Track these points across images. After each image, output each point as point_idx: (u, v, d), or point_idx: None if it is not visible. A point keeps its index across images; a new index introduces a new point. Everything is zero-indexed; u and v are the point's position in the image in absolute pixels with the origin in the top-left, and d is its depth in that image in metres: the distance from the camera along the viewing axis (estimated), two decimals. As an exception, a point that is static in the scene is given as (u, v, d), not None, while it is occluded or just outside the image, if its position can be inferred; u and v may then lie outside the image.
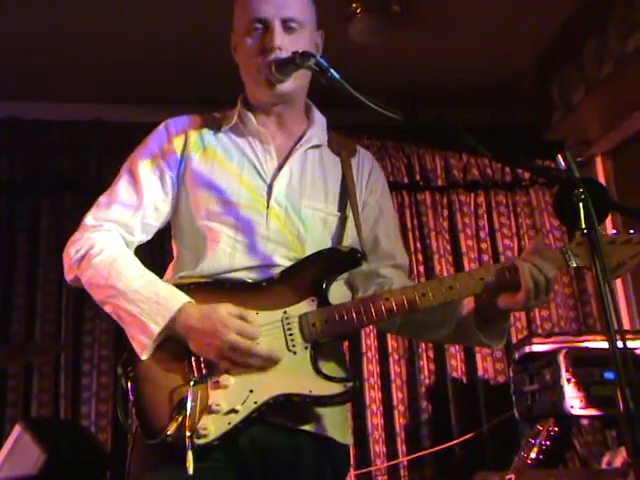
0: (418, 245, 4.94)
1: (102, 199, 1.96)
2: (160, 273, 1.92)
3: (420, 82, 4.61)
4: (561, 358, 3.48)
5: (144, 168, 1.95)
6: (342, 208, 1.98)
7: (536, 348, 3.72)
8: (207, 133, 2.00)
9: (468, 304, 1.87)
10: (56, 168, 4.62)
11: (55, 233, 4.48)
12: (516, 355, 3.88)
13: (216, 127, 2.01)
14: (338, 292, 1.89)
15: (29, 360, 4.18)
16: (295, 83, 1.91)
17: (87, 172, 4.52)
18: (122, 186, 1.95)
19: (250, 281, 1.84)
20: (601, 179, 4.87)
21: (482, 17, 4.07)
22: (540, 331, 4.76)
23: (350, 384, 1.75)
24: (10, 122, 4.64)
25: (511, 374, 3.89)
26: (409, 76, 4.56)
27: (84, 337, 4.48)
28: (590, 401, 3.39)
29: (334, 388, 1.74)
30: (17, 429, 3.19)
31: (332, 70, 1.67)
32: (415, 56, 4.40)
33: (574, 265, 1.81)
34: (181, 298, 1.77)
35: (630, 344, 3.54)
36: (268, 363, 1.73)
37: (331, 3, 3.73)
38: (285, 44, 1.87)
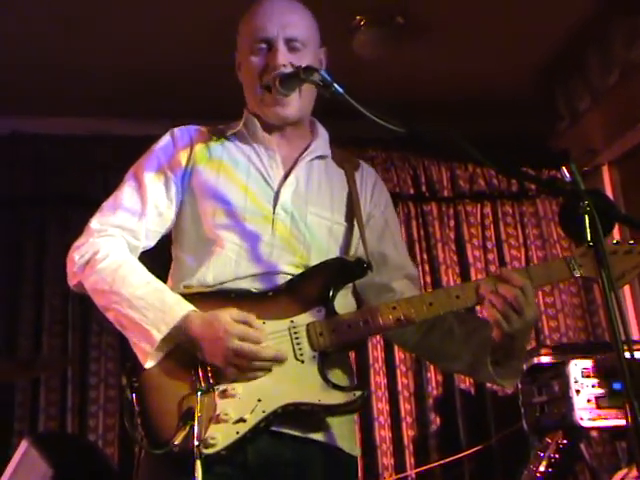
0: (424, 256, 4.92)
1: (107, 204, 1.97)
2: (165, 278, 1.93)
3: (425, 94, 4.61)
4: (570, 369, 3.46)
5: (149, 174, 1.96)
6: (348, 218, 1.99)
7: (544, 359, 3.70)
8: (213, 142, 2.01)
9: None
10: (61, 182, 4.63)
11: (61, 247, 4.44)
12: (524, 366, 3.86)
13: (222, 136, 2.03)
14: (344, 302, 1.89)
15: (36, 374, 4.18)
16: (298, 107, 1.94)
17: (92, 186, 4.53)
18: (127, 192, 1.96)
19: (256, 291, 1.84)
20: (608, 188, 4.86)
21: (487, 28, 4.07)
22: (548, 342, 4.74)
23: (359, 393, 1.74)
24: (16, 137, 4.66)
25: (519, 385, 3.86)
26: (414, 88, 4.56)
27: (91, 351, 4.47)
28: (600, 413, 3.37)
29: (343, 397, 1.74)
30: (24, 444, 3.18)
31: (336, 84, 1.68)
32: (420, 68, 4.41)
33: (578, 275, 1.82)
34: (185, 306, 1.76)
35: (638, 355, 3.52)
36: (275, 364, 1.72)
37: (335, 16, 3.76)
38: (289, 63, 1.89)
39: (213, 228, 1.90)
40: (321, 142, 2.05)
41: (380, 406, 4.61)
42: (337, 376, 1.81)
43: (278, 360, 1.73)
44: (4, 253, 4.57)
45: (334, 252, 1.94)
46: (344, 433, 1.84)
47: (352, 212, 1.99)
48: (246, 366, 1.71)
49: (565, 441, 3.41)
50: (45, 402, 4.34)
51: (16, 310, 4.47)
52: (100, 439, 4.34)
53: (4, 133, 4.66)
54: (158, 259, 2.02)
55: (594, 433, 3.72)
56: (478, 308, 1.92)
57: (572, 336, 4.83)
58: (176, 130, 2.04)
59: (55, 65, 4.21)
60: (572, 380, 3.44)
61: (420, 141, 1.67)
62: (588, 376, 3.45)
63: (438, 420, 4.65)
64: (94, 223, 1.94)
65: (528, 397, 3.76)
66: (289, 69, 1.85)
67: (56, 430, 4.31)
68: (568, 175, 1.58)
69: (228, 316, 1.72)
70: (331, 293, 1.82)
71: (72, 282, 1.92)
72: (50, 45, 4.04)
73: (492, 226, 5.07)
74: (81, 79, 4.36)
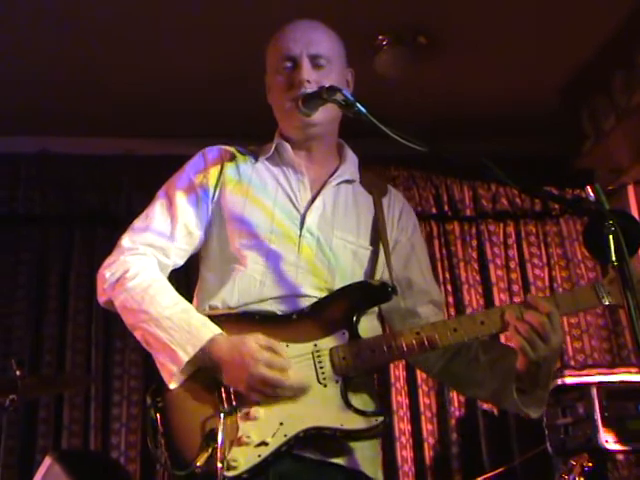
0: (447, 275, 4.90)
1: (138, 222, 1.99)
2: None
3: (448, 113, 4.61)
4: (594, 391, 3.43)
5: (180, 193, 1.98)
6: (373, 243, 1.99)
7: (569, 380, 3.65)
8: (243, 163, 2.03)
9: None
10: (87, 201, 4.68)
11: (86, 265, 4.53)
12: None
13: (252, 157, 2.05)
14: (368, 325, 1.89)
15: (60, 391, 4.20)
16: (323, 116, 1.93)
17: (117, 205, 4.58)
18: (158, 210, 1.98)
19: (280, 313, 1.84)
20: (633, 208, 4.81)
21: (510, 47, 4.08)
22: (573, 363, 4.69)
23: (380, 419, 1.74)
24: (43, 157, 4.72)
25: (544, 407, 3.81)
26: (437, 107, 4.57)
27: (114, 368, 4.50)
28: (625, 435, 3.32)
29: (365, 422, 1.73)
30: (48, 461, 3.19)
31: (358, 104, 1.68)
32: (443, 87, 4.41)
33: (607, 303, 1.80)
34: (213, 329, 1.77)
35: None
36: (298, 394, 1.72)
37: (357, 35, 3.78)
38: (313, 78, 1.91)
39: (239, 247, 1.91)
40: (349, 166, 2.06)
41: (402, 426, 4.58)
42: (360, 400, 1.80)
43: (301, 390, 1.72)
44: (30, 270, 4.62)
45: (359, 276, 1.94)
46: (367, 456, 1.83)
47: (378, 237, 1.99)
48: (269, 393, 1.71)
49: (590, 464, 3.36)
50: (69, 419, 4.36)
51: (40, 327, 4.51)
52: (123, 456, 4.35)
53: (33, 152, 4.72)
54: (186, 278, 2.04)
55: (620, 456, 3.67)
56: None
57: (597, 357, 4.78)
58: (207, 150, 2.07)
59: (82, 85, 4.26)
60: (597, 402, 3.40)
61: (442, 160, 1.67)
62: (613, 398, 3.40)
63: (461, 441, 4.60)
64: (125, 241, 1.95)
65: (552, 418, 3.72)
66: (312, 88, 1.87)
67: (79, 447, 4.32)
68: (592, 195, 1.57)
69: (254, 342, 1.72)
70: (355, 317, 1.82)
71: (102, 299, 1.94)
72: (77, 66, 4.09)
73: (515, 245, 5.04)
74: (107, 99, 4.41)
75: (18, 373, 3.19)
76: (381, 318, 2.03)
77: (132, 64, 4.11)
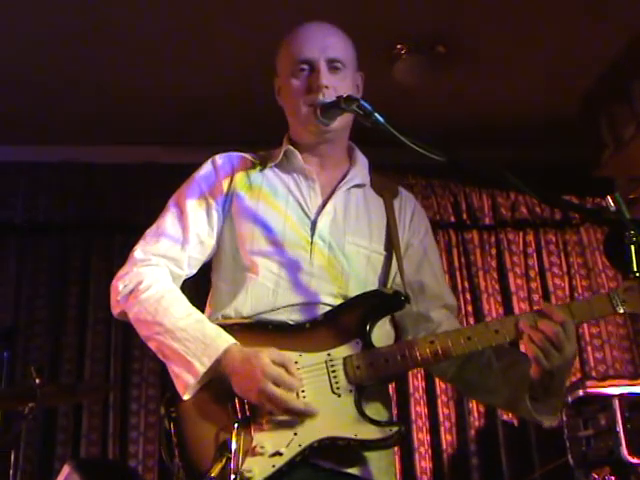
0: (466, 284, 4.89)
1: (150, 233, 1.98)
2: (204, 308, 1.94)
3: (466, 121, 4.61)
4: (616, 402, 3.38)
5: (191, 202, 1.97)
6: (386, 247, 1.98)
7: (590, 391, 3.61)
8: (253, 170, 2.02)
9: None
10: (107, 209, 4.72)
11: (105, 273, 4.55)
12: (569, 398, 3.77)
13: (262, 164, 2.03)
14: (381, 331, 1.87)
15: (79, 400, 4.22)
16: (339, 124, 1.93)
17: (136, 214, 4.61)
18: (169, 220, 1.97)
19: (293, 323, 1.83)
20: (654, 217, 4.76)
21: (528, 56, 4.07)
22: (594, 374, 4.64)
23: (395, 429, 1.72)
24: (63, 165, 4.76)
25: (564, 418, 3.78)
26: (455, 115, 4.56)
27: (132, 376, 4.52)
28: (649, 447, 3.28)
29: (379, 432, 1.71)
30: (66, 469, 3.21)
31: (376, 113, 1.68)
32: (461, 96, 4.41)
33: (621, 312, 1.78)
34: (227, 339, 1.76)
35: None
36: (304, 416, 1.70)
37: (376, 44, 3.79)
38: (331, 83, 1.90)
39: (250, 255, 1.90)
40: (359, 170, 2.05)
41: (421, 436, 4.56)
42: (374, 410, 1.79)
43: (306, 414, 1.70)
44: (49, 278, 4.66)
45: (372, 281, 1.93)
46: (382, 466, 1.82)
47: (390, 241, 1.98)
48: (275, 411, 1.69)
49: (612, 477, 3.32)
50: (87, 427, 4.39)
51: (60, 335, 4.54)
52: (140, 465, 4.36)
53: (53, 161, 4.76)
54: (198, 287, 2.04)
55: (643, 469, 3.62)
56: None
57: (619, 368, 4.73)
58: (217, 157, 2.05)
59: (103, 95, 4.30)
60: (619, 413, 3.36)
61: (461, 169, 1.66)
62: (636, 409, 3.36)
63: (480, 452, 4.57)
64: (137, 252, 1.95)
65: (574, 430, 3.67)
66: (330, 98, 1.85)
67: (97, 455, 4.34)
68: (613, 204, 1.55)
69: (267, 357, 1.70)
70: (369, 326, 1.81)
71: (115, 311, 1.94)
72: (98, 75, 4.12)
73: (535, 254, 5.01)
74: (127, 108, 4.44)
75: (37, 381, 3.20)
76: (394, 322, 2.00)
77: (152, 72, 4.14)
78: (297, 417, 1.70)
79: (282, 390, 1.68)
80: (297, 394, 1.72)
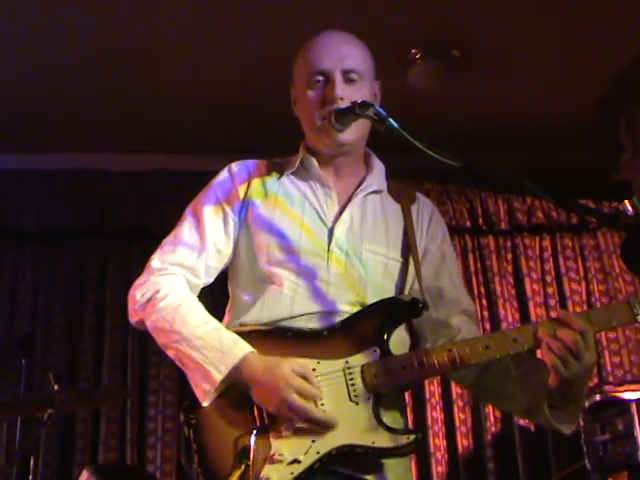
0: (482, 290, 4.87)
1: (166, 242, 1.99)
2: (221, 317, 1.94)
3: (482, 125, 4.59)
4: (634, 407, 3.36)
5: (207, 211, 1.98)
6: (404, 254, 1.98)
7: (607, 396, 3.60)
8: (269, 177, 2.02)
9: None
10: (122, 217, 4.74)
11: (121, 280, 4.57)
12: (586, 403, 3.76)
13: (278, 172, 2.04)
14: (397, 338, 1.87)
15: (97, 406, 4.23)
16: (355, 134, 1.93)
17: (152, 221, 4.62)
18: (186, 229, 1.98)
19: (311, 330, 1.83)
20: (672, 221, 4.73)
21: (544, 59, 4.05)
22: (611, 378, 4.61)
23: (412, 437, 1.73)
24: (78, 173, 4.78)
25: (581, 423, 3.75)
26: (471, 120, 4.55)
27: (149, 383, 4.53)
28: (667, 453, 3.25)
29: (397, 440, 1.72)
30: (85, 474, 3.21)
31: (391, 119, 1.68)
32: (476, 100, 4.39)
33: None
34: (244, 347, 1.77)
35: None
36: (324, 428, 1.71)
37: (390, 49, 3.79)
38: (346, 95, 1.90)
39: (267, 264, 1.91)
40: (376, 176, 2.05)
41: (437, 442, 4.55)
42: (391, 418, 1.79)
43: (327, 425, 1.71)
44: (66, 286, 4.68)
45: (390, 289, 1.94)
46: (399, 473, 1.83)
47: (408, 248, 1.98)
48: (296, 420, 1.70)
49: (630, 482, 3.30)
50: (105, 433, 4.40)
51: (77, 342, 4.56)
52: (158, 470, 4.37)
53: (68, 168, 4.79)
54: (216, 295, 2.05)
55: (661, 474, 3.60)
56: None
57: (636, 373, 4.70)
58: (233, 165, 2.06)
59: (117, 102, 4.31)
60: (637, 418, 3.34)
61: (476, 174, 1.66)
62: (654, 414, 3.34)
63: (497, 457, 4.55)
64: (155, 261, 1.96)
65: (591, 435, 3.65)
66: (345, 104, 1.86)
67: (116, 461, 4.35)
68: (630, 208, 1.55)
69: (289, 367, 1.72)
70: (386, 333, 1.81)
71: (133, 320, 1.95)
72: (111, 83, 4.14)
73: (551, 259, 4.99)
74: (142, 115, 4.46)
75: (56, 388, 3.22)
76: (410, 329, 2.00)
77: (166, 80, 4.15)
78: (314, 426, 1.71)
79: (304, 400, 1.69)
80: (315, 402, 1.73)
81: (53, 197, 4.74)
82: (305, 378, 1.72)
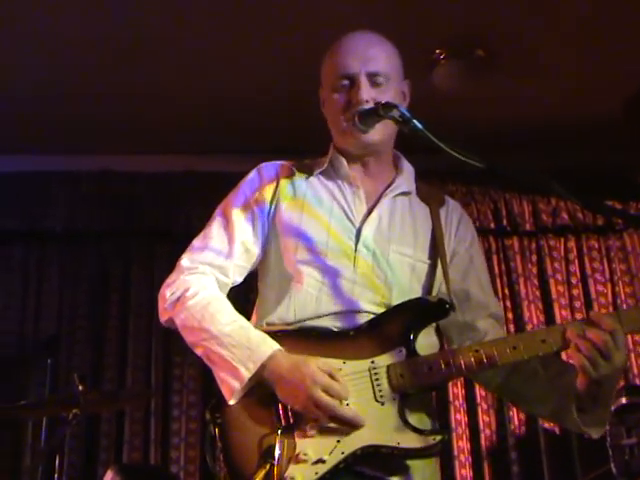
0: (506, 291, 4.84)
1: (196, 242, 2.01)
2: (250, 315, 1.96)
3: (507, 126, 4.56)
4: (661, 410, 3.33)
5: (236, 211, 2.00)
6: (431, 256, 1.98)
7: (634, 399, 3.56)
8: (298, 179, 2.04)
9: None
10: (147, 218, 4.76)
11: (145, 282, 4.60)
12: (612, 407, 3.72)
13: (307, 172, 2.05)
14: (426, 341, 1.87)
15: (121, 406, 4.26)
16: (381, 134, 1.94)
17: (177, 222, 4.64)
18: (215, 229, 2.00)
19: (337, 330, 1.84)
20: (700, 223, 4.68)
21: (570, 58, 4.01)
22: (637, 381, 4.56)
23: (439, 437, 1.72)
24: (104, 175, 4.81)
25: (607, 426, 3.71)
26: (496, 120, 4.52)
27: (173, 383, 4.54)
28: (694, 457, 3.22)
29: (422, 441, 1.72)
30: (109, 474, 3.24)
31: (415, 120, 1.67)
32: (501, 100, 4.36)
33: None
34: (272, 345, 1.78)
35: None
36: (351, 425, 1.71)
37: (415, 49, 3.75)
38: (371, 97, 1.90)
39: (294, 263, 1.92)
40: (405, 178, 2.05)
41: (461, 444, 4.52)
42: (417, 418, 1.79)
43: (353, 423, 1.71)
44: (91, 287, 4.71)
45: (416, 291, 1.93)
46: (426, 476, 1.82)
47: (436, 250, 1.98)
48: (322, 418, 1.70)
49: (656, 486, 3.26)
50: (129, 433, 4.42)
51: (102, 343, 4.59)
52: (182, 471, 4.38)
53: (94, 170, 4.82)
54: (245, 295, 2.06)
55: (689, 478, 3.55)
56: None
57: (663, 375, 4.65)
58: (263, 166, 2.08)
59: (143, 103, 4.34)
60: (664, 422, 3.31)
61: (500, 175, 1.65)
62: (681, 418, 3.30)
63: (521, 460, 4.52)
64: (185, 260, 1.98)
65: (616, 438, 3.62)
66: (369, 105, 1.86)
67: (140, 461, 4.38)
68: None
69: (315, 365, 1.72)
70: (412, 334, 1.80)
71: (163, 318, 1.97)
72: (138, 84, 4.17)
73: (577, 261, 4.94)
74: (168, 117, 4.48)
75: (80, 388, 3.25)
76: (439, 332, 2.01)
77: (193, 82, 4.16)
78: (341, 425, 1.71)
79: (330, 398, 1.69)
80: (341, 400, 1.72)
81: (78, 198, 4.77)
82: (331, 376, 1.72)
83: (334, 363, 1.76)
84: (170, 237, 4.58)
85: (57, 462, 3.51)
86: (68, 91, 4.21)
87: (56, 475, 3.48)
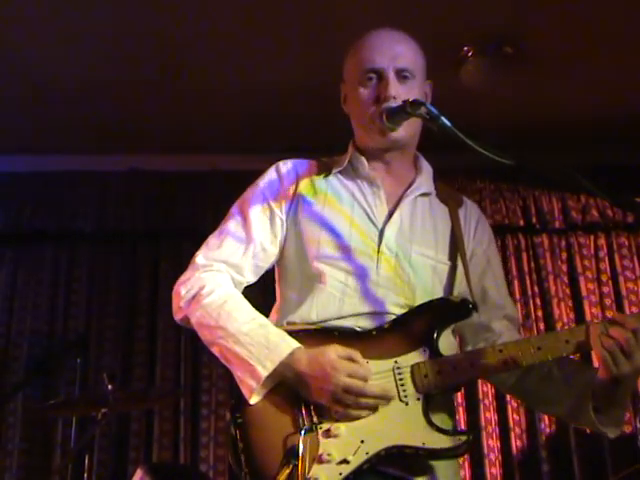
0: (535, 289, 4.80)
1: (212, 239, 1.99)
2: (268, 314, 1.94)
3: (536, 123, 4.53)
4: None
5: (254, 209, 1.97)
6: (452, 257, 1.96)
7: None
8: (317, 176, 2.02)
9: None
10: (175, 217, 4.79)
11: (174, 280, 4.58)
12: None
13: (326, 170, 2.03)
14: (446, 341, 1.86)
15: (150, 405, 4.28)
16: (407, 131, 1.92)
17: (204, 221, 4.65)
18: (232, 226, 1.98)
19: (359, 329, 1.82)
20: None
21: (598, 55, 3.97)
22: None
23: (464, 438, 1.70)
24: (132, 174, 4.85)
25: (637, 425, 3.67)
26: (524, 116, 4.49)
27: (202, 382, 4.56)
28: None
29: (447, 441, 1.70)
30: (139, 473, 3.25)
31: (443, 118, 1.66)
32: (529, 97, 4.33)
33: None
34: (291, 343, 1.76)
35: None
36: (381, 403, 1.70)
37: (442, 47, 3.75)
38: (399, 93, 1.88)
39: (317, 261, 1.90)
40: (425, 178, 2.04)
41: (491, 443, 4.49)
42: (441, 419, 1.77)
43: (385, 398, 1.70)
44: (120, 286, 4.75)
45: (438, 292, 1.92)
46: (449, 475, 1.81)
47: (456, 250, 1.96)
48: (352, 403, 1.69)
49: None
50: (159, 432, 4.45)
51: (131, 342, 4.62)
52: (211, 470, 4.40)
53: (122, 170, 4.86)
54: (262, 293, 2.04)
55: None
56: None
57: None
58: (281, 164, 2.06)
59: (170, 104, 4.36)
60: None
61: (530, 172, 1.63)
62: None
63: (551, 458, 4.48)
64: (200, 258, 1.97)
65: (648, 438, 3.58)
66: (396, 103, 1.84)
67: (169, 460, 4.40)
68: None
69: (334, 353, 1.71)
70: (436, 334, 1.79)
71: (178, 316, 1.96)
72: (164, 85, 4.19)
73: (607, 258, 4.89)
74: (194, 117, 4.51)
75: (110, 387, 3.27)
76: (453, 332, 1.99)
77: (220, 81, 4.17)
78: (364, 423, 1.69)
79: (356, 380, 1.68)
80: (366, 381, 1.71)
81: (108, 198, 4.81)
82: (351, 359, 1.71)
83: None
84: (198, 236, 4.56)
85: (87, 461, 3.55)
86: (98, 91, 4.24)
87: (86, 474, 3.52)
